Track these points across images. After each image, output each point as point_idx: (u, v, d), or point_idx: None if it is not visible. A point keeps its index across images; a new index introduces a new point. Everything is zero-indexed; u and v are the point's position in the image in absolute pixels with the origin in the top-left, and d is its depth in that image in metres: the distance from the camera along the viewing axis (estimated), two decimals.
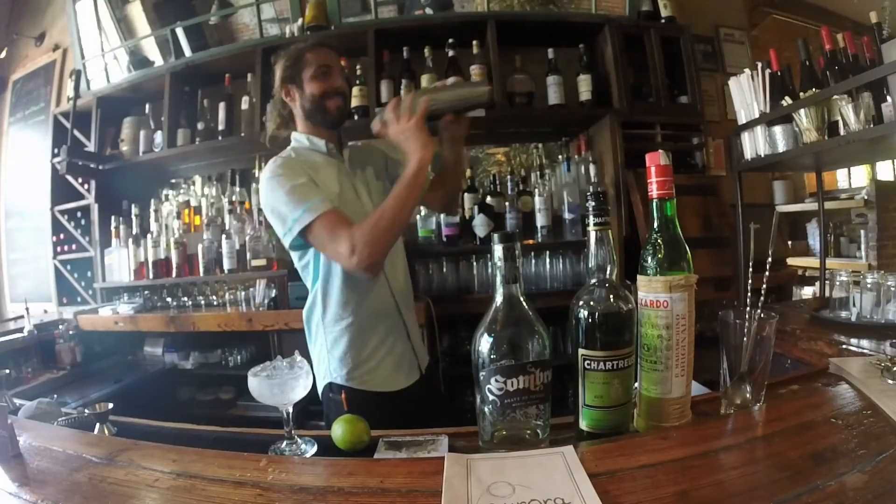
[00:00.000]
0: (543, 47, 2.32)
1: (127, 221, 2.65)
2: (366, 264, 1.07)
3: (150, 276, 2.49)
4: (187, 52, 2.65)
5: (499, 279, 0.67)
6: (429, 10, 2.43)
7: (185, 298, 2.58)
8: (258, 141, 2.43)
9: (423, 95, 1.12)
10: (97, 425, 0.90)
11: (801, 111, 1.61)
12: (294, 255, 1.29)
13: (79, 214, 2.87)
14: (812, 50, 1.77)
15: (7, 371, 1.41)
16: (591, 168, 2.32)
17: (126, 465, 0.66)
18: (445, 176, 1.29)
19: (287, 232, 1.14)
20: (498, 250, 0.66)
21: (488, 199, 2.30)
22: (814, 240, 2.82)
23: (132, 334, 2.52)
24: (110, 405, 0.92)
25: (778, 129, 1.74)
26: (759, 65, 1.83)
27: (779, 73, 1.79)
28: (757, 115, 1.83)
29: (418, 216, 2.24)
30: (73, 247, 2.87)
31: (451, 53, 2.26)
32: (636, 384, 0.71)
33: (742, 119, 1.92)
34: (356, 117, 2.24)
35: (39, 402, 1.03)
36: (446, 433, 0.80)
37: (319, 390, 1.28)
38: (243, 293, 2.38)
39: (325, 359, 1.28)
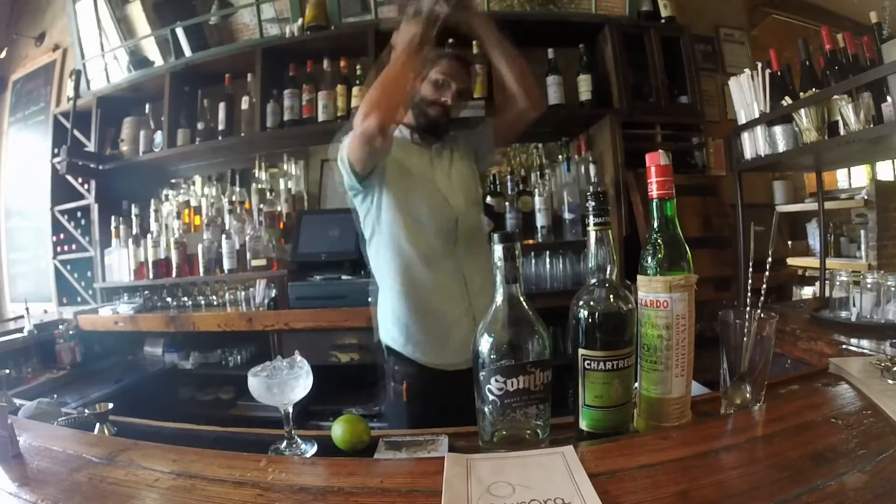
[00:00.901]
0: (543, 47, 2.32)
1: (127, 221, 2.65)
2: (366, 119, 1.13)
3: (150, 276, 2.49)
4: (187, 52, 2.66)
5: (499, 279, 0.67)
6: None
7: (185, 298, 2.58)
8: (258, 141, 2.44)
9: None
10: (97, 425, 0.90)
11: (801, 111, 1.61)
12: (360, 214, 1.34)
13: (79, 214, 2.87)
14: (812, 50, 1.77)
15: (7, 371, 1.41)
16: (591, 168, 2.32)
17: (126, 465, 0.66)
18: (498, 67, 1.35)
19: (342, 164, 1.23)
20: (498, 250, 0.66)
21: (488, 199, 2.29)
22: (814, 240, 2.82)
23: (132, 334, 2.52)
24: (110, 405, 0.92)
25: (778, 129, 1.74)
26: (759, 65, 1.83)
27: (779, 73, 1.79)
28: (757, 115, 1.83)
29: None
30: (73, 247, 2.87)
31: None
32: (636, 384, 0.71)
33: (742, 119, 1.92)
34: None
35: (39, 402, 1.03)
36: (446, 433, 0.80)
37: (381, 343, 1.34)
38: (243, 293, 2.38)
39: (383, 316, 1.33)
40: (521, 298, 0.68)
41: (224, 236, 2.38)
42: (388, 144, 1.23)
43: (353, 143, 1.18)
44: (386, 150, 1.23)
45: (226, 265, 2.36)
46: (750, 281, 0.76)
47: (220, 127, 2.49)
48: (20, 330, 2.37)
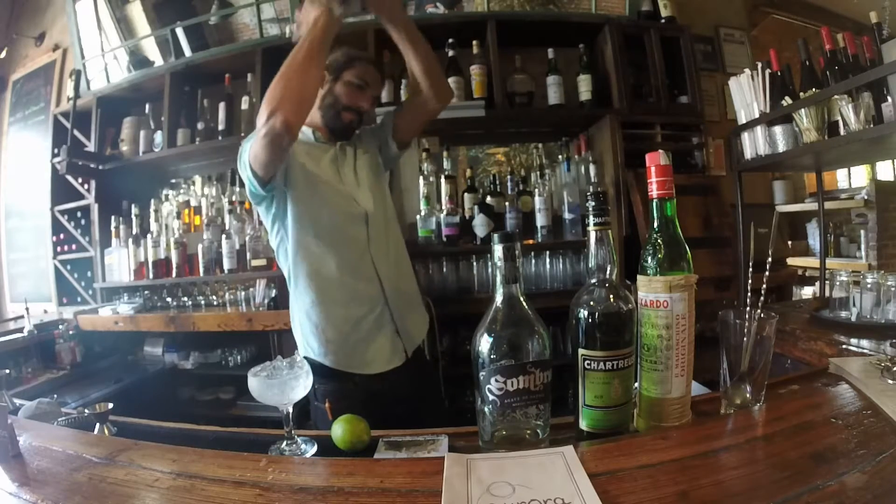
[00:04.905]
0: (543, 47, 2.32)
1: (127, 221, 2.65)
2: (271, 118, 1.03)
3: (150, 276, 2.49)
4: (187, 52, 2.65)
5: (499, 279, 0.67)
6: (439, 5, 2.43)
7: (185, 298, 2.58)
8: None
9: None
10: (97, 425, 0.90)
11: (801, 111, 1.61)
12: (266, 222, 1.30)
13: (79, 214, 2.87)
14: (812, 50, 1.77)
15: (7, 371, 1.41)
16: (591, 168, 2.31)
17: (126, 465, 0.66)
18: (407, 59, 1.30)
19: (244, 169, 1.16)
20: (498, 250, 0.66)
21: (488, 199, 2.30)
22: (814, 240, 2.82)
23: (132, 334, 2.52)
24: (110, 405, 0.92)
25: (778, 129, 1.74)
26: (759, 65, 1.83)
27: (779, 73, 1.79)
28: (757, 115, 1.83)
29: (418, 216, 2.23)
30: (73, 247, 2.87)
31: (451, 53, 2.25)
32: (636, 384, 0.71)
33: (742, 119, 1.92)
34: None
35: (39, 402, 1.03)
36: (446, 433, 0.80)
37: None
38: (243, 293, 2.38)
39: (299, 333, 1.29)
40: (521, 298, 0.67)
41: (224, 236, 2.38)
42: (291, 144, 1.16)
43: (258, 146, 1.08)
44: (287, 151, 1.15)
45: (226, 265, 2.36)
46: (750, 281, 0.76)
47: (220, 127, 2.49)
48: (20, 330, 2.36)
